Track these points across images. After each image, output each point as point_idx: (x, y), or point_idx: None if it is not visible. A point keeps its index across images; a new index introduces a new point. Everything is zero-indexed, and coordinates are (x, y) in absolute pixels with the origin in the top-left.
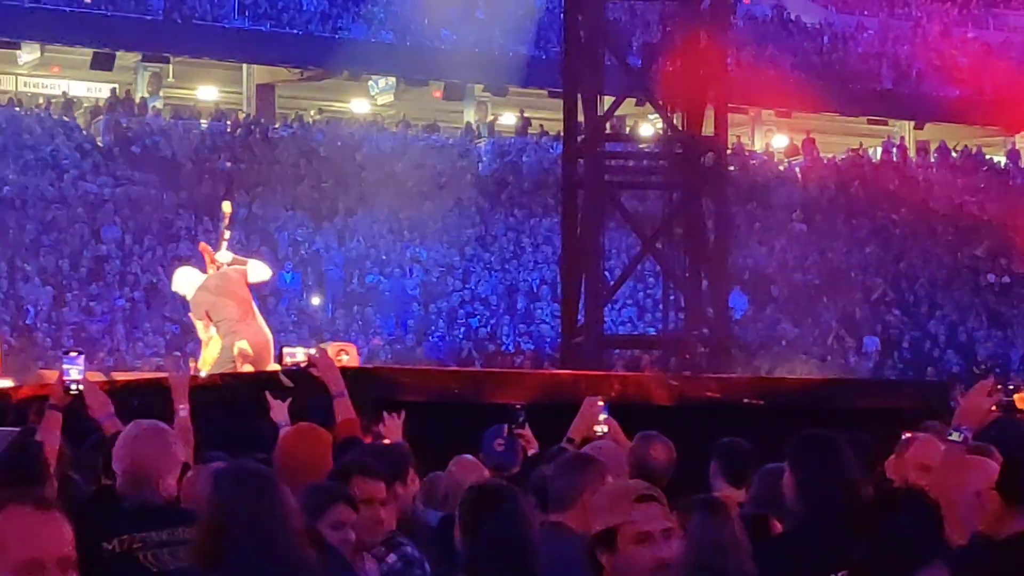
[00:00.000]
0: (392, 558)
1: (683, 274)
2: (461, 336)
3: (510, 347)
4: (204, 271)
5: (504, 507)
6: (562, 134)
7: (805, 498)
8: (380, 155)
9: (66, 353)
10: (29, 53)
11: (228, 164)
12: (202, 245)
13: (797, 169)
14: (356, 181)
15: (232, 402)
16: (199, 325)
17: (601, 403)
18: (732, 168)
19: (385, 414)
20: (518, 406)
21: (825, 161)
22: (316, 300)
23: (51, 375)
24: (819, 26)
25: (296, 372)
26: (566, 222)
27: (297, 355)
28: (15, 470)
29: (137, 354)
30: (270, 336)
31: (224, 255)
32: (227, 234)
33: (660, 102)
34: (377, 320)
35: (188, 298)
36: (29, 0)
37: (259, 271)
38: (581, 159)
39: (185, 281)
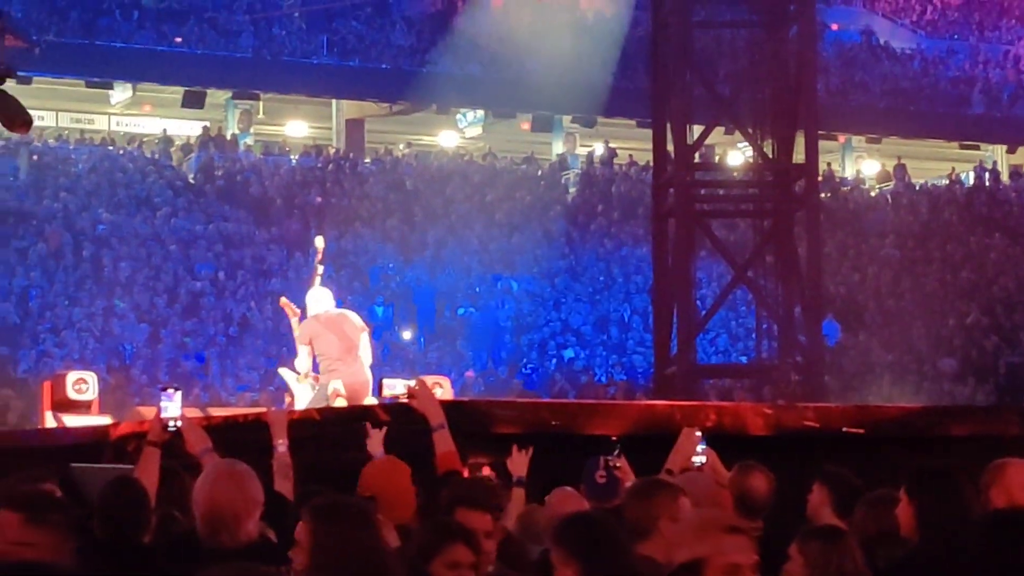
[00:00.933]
0: None
1: (776, 302)
2: (553, 367)
3: (603, 378)
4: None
5: (611, 538)
6: (651, 164)
7: (925, 529)
8: (469, 187)
9: (163, 390)
10: (121, 92)
11: (318, 199)
12: (283, 301)
13: (888, 195)
14: (446, 214)
15: (329, 436)
16: (302, 351)
17: (699, 434)
18: (823, 195)
19: (515, 448)
20: (614, 438)
21: (917, 187)
22: (407, 334)
23: (148, 412)
24: (909, 51)
25: (395, 405)
26: (657, 252)
27: (396, 387)
28: (113, 512)
29: (231, 390)
30: (370, 379)
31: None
32: (320, 269)
33: (750, 130)
34: (469, 353)
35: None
36: (121, 40)
37: (367, 348)
38: (671, 188)
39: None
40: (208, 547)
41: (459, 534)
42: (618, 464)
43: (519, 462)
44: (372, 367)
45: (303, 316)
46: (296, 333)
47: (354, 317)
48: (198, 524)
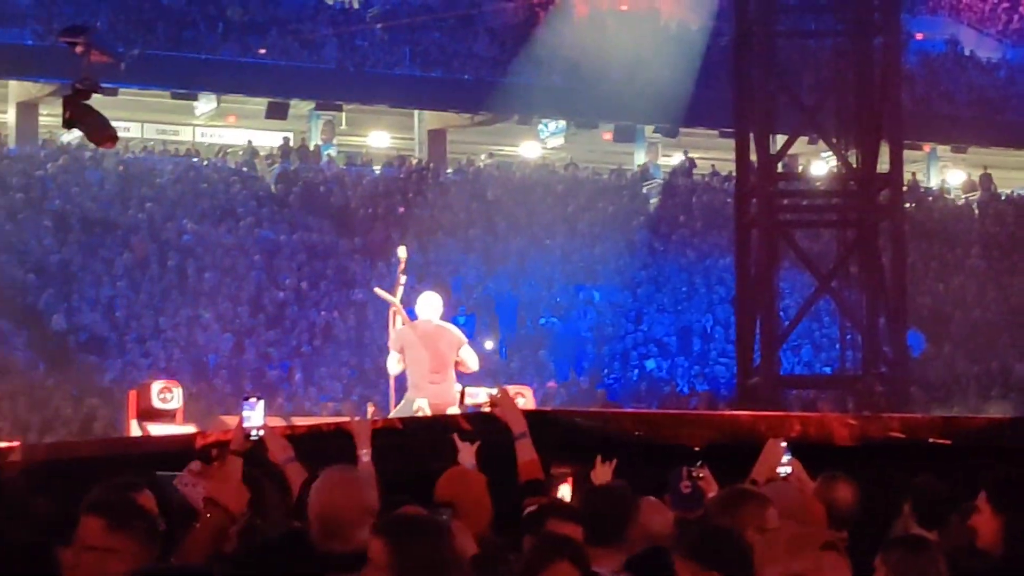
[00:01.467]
0: None
1: (860, 313)
2: (635, 378)
3: (685, 388)
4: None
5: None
6: (733, 174)
7: (1010, 541)
8: (551, 198)
9: (245, 399)
10: (206, 104)
11: (401, 209)
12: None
13: (974, 205)
14: (528, 224)
15: (413, 446)
16: (393, 356)
17: (784, 444)
18: (908, 205)
19: (599, 459)
20: (696, 448)
21: (1003, 197)
22: (490, 344)
23: (232, 421)
24: (995, 61)
25: (477, 414)
26: (739, 262)
27: (479, 396)
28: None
29: (314, 399)
30: (456, 399)
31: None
32: (403, 279)
33: (834, 139)
34: (551, 363)
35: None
36: (206, 52)
37: (472, 360)
38: (754, 198)
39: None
40: (321, 552)
41: (565, 551)
42: (701, 475)
43: (603, 473)
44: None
45: (411, 314)
46: (391, 333)
47: (453, 331)
48: (312, 526)
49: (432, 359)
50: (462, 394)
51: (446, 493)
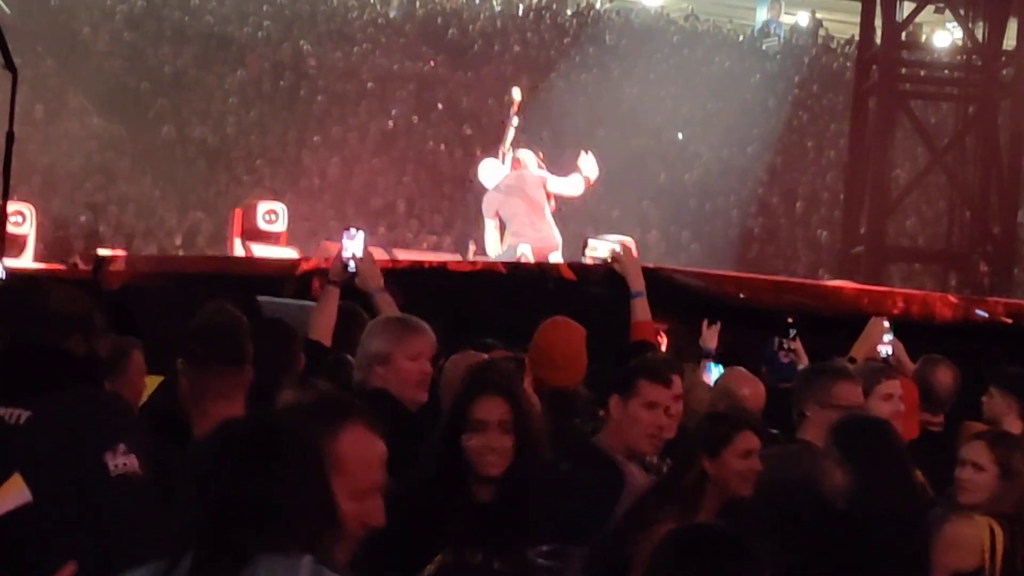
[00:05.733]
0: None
1: (971, 190)
2: (736, 237)
3: (786, 252)
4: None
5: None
6: (855, 38)
7: None
8: (668, 48)
9: (346, 230)
10: None
11: (516, 48)
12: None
13: None
14: (643, 73)
15: (513, 293)
16: (489, 224)
17: (886, 324)
18: None
19: (705, 322)
20: (790, 320)
21: None
22: (594, 189)
23: (335, 247)
24: None
25: (585, 266)
26: (855, 128)
27: (599, 250)
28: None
29: (416, 231)
30: (559, 242)
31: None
32: (515, 121)
33: (961, 11)
34: (654, 215)
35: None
36: None
37: (566, 185)
38: (875, 65)
39: (489, 174)
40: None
41: (747, 423)
42: (792, 346)
43: (710, 335)
44: (556, 221)
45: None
46: (484, 202)
47: (530, 169)
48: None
49: (527, 206)
50: (584, 244)
51: (544, 340)
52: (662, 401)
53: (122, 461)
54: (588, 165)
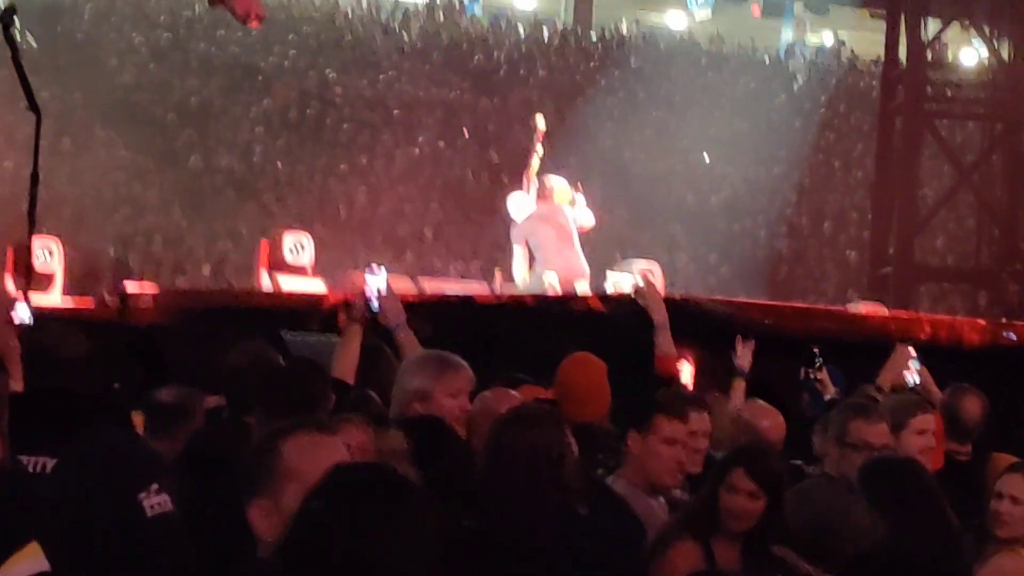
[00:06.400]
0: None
1: (1000, 208)
2: (765, 258)
3: (815, 272)
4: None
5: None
6: (880, 58)
7: None
8: (694, 70)
9: (368, 267)
10: None
11: (542, 73)
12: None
13: None
14: (669, 95)
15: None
16: (517, 251)
17: (912, 351)
18: None
19: (739, 340)
20: (816, 348)
21: None
22: (620, 214)
23: (361, 280)
24: None
25: (613, 297)
26: (881, 148)
27: (623, 283)
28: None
29: (444, 257)
30: (586, 271)
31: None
32: (540, 148)
33: (986, 29)
34: (682, 237)
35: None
36: None
37: (583, 216)
38: (900, 85)
39: (518, 206)
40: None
41: (741, 460)
42: (819, 376)
43: (744, 354)
44: (584, 246)
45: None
46: (512, 231)
47: (560, 196)
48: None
49: (556, 233)
50: (605, 276)
51: (567, 376)
52: (679, 437)
53: (156, 501)
54: (582, 213)
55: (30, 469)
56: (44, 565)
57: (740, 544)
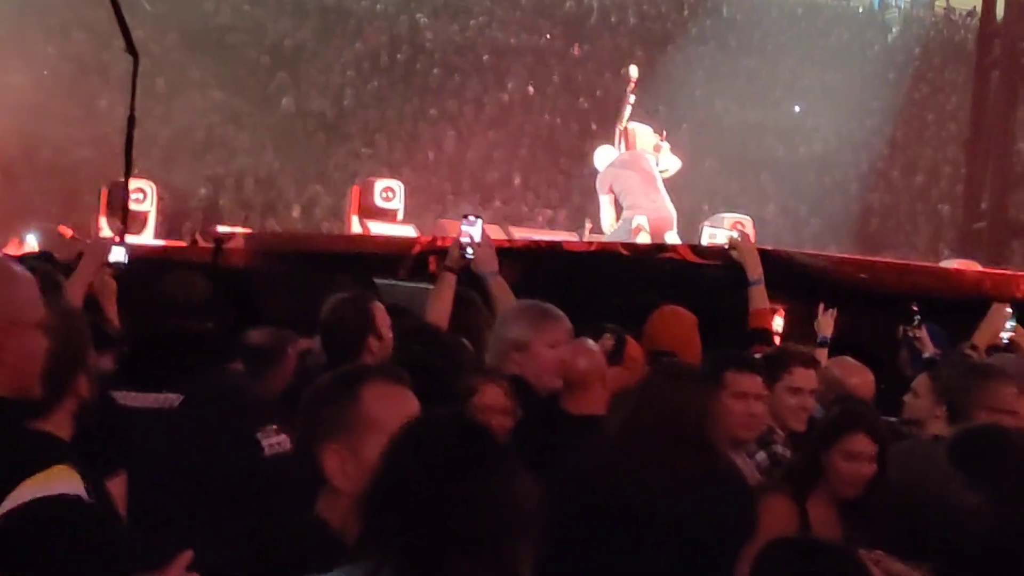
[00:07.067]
0: (761, 455)
1: None
2: (855, 212)
3: (906, 226)
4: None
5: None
6: (976, 11)
7: None
8: (787, 20)
9: (465, 217)
10: None
11: (632, 20)
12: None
13: None
14: (761, 45)
15: (630, 274)
16: (604, 200)
17: (1009, 310)
18: None
19: (821, 306)
20: (914, 307)
21: None
22: (710, 164)
23: (450, 225)
24: None
25: (704, 248)
26: (977, 102)
27: (717, 236)
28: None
29: (531, 204)
30: (674, 214)
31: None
32: (632, 98)
33: None
34: (772, 189)
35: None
36: None
37: (668, 160)
38: (997, 39)
39: (604, 158)
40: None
41: (862, 423)
42: (918, 335)
43: (826, 322)
44: (671, 195)
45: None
46: (599, 178)
47: (644, 142)
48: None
49: (641, 178)
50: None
51: (655, 329)
52: (751, 390)
53: (275, 440)
54: (667, 159)
55: (160, 405)
56: (80, 490)
57: (836, 508)
